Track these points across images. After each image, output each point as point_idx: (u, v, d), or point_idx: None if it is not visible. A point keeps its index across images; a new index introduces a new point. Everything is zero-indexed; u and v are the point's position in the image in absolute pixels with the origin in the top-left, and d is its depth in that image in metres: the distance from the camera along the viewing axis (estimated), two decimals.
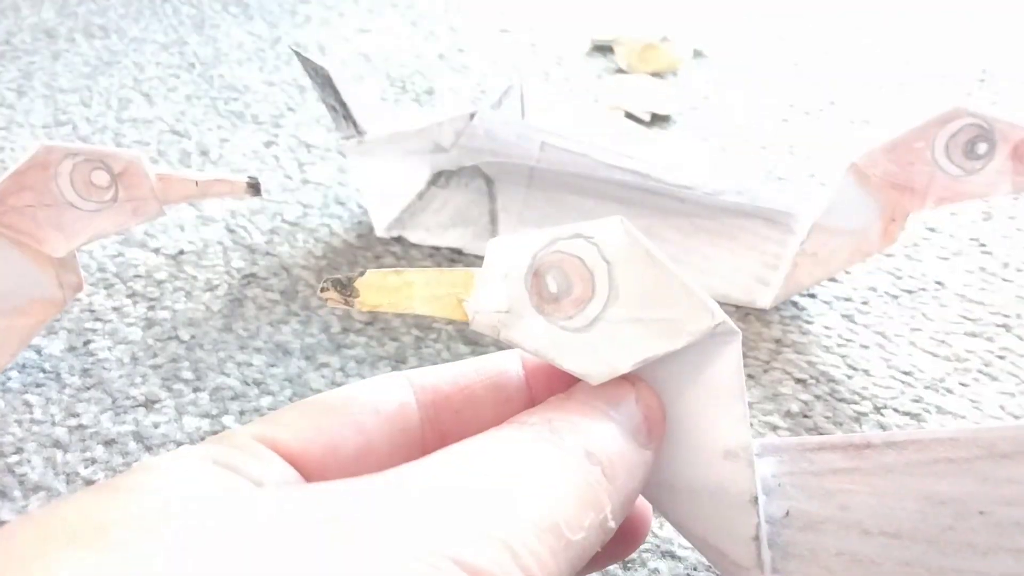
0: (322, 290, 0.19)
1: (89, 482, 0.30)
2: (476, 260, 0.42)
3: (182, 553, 0.12)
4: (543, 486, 0.15)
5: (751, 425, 0.32)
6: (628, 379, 0.19)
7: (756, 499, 0.19)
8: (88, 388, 0.34)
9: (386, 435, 0.19)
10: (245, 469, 0.16)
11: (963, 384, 0.34)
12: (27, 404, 0.33)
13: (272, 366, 0.35)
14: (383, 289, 0.19)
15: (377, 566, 0.12)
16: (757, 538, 0.20)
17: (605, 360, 0.19)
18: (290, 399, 0.33)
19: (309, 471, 0.17)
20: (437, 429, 0.20)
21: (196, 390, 0.34)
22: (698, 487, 0.20)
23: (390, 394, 0.19)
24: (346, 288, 0.19)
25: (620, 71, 0.63)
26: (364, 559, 0.12)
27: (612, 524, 0.16)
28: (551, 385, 0.20)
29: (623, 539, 0.22)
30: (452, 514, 0.14)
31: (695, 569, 0.27)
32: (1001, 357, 0.36)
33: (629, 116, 0.55)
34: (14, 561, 0.12)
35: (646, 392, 0.19)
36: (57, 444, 0.31)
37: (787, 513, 0.20)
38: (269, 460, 0.17)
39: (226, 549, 0.12)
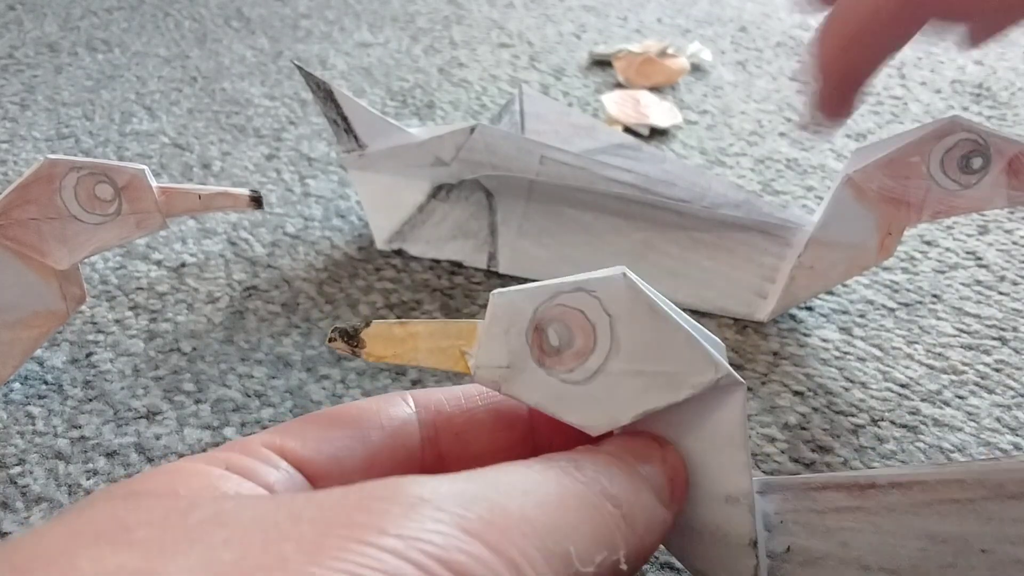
0: (329, 340, 0.20)
1: (90, 493, 0.30)
2: (475, 272, 0.42)
3: (200, 551, 0.12)
4: (559, 513, 0.16)
5: (750, 437, 0.32)
6: (657, 441, 0.20)
7: (755, 542, 0.20)
8: (90, 400, 0.34)
9: (389, 450, 0.19)
10: (257, 475, 0.17)
11: (960, 397, 0.34)
12: (29, 416, 0.33)
13: (273, 378, 0.35)
14: (388, 340, 0.20)
15: (376, 569, 0.12)
16: None
17: (606, 412, 0.19)
18: (291, 411, 0.34)
19: (316, 478, 0.18)
20: (436, 449, 0.20)
21: (197, 402, 0.34)
22: (700, 528, 0.20)
23: (394, 411, 0.20)
24: (352, 339, 0.20)
25: (619, 85, 0.64)
26: (366, 562, 0.12)
27: (624, 567, 0.17)
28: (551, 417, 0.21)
29: None
30: (461, 525, 0.14)
31: None
32: (997, 370, 0.36)
33: (628, 130, 0.55)
34: (41, 559, 0.12)
35: (673, 456, 0.20)
36: (59, 456, 0.32)
37: (788, 549, 0.20)
38: (279, 466, 0.17)
39: (240, 548, 0.13)
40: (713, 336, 0.20)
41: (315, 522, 0.13)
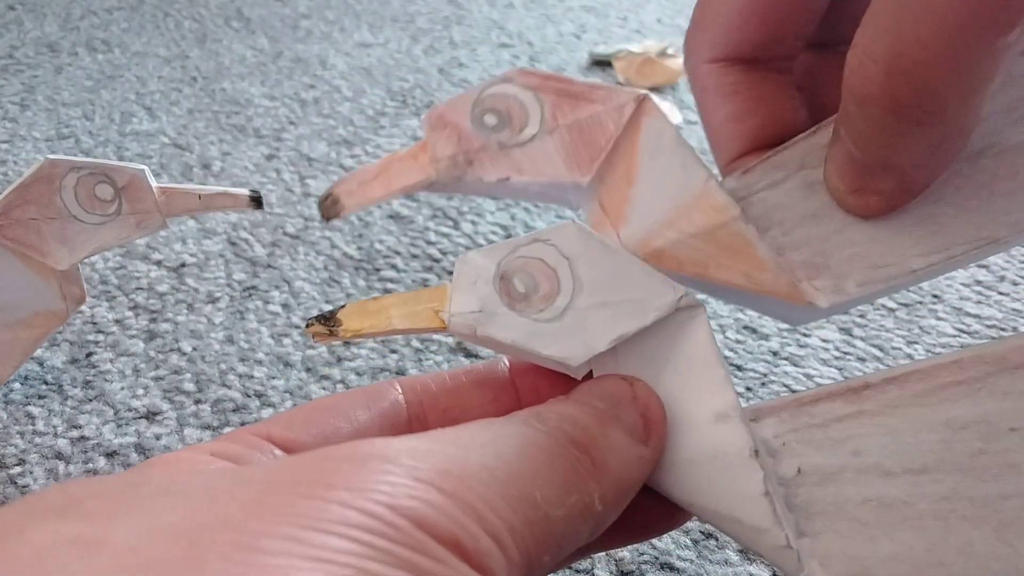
0: (307, 326, 0.21)
1: None
2: None
3: (146, 516, 0.12)
4: (520, 461, 0.16)
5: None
6: (626, 380, 0.20)
7: (756, 452, 0.19)
8: (90, 400, 0.34)
9: (377, 429, 0.20)
10: (242, 459, 0.17)
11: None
12: (29, 416, 0.33)
13: (273, 378, 0.35)
14: (363, 314, 0.20)
15: (322, 519, 0.12)
16: (768, 493, 0.19)
17: (581, 342, 0.19)
18: None
19: None
20: (424, 427, 0.20)
21: (197, 402, 0.34)
22: (697, 457, 0.19)
23: (380, 394, 0.20)
24: (329, 320, 0.21)
25: (619, 85, 0.64)
26: (311, 514, 0.12)
27: (599, 507, 0.17)
28: (536, 382, 0.21)
29: (663, 514, 0.22)
30: (413, 475, 0.14)
31: None
32: None
33: None
34: None
35: (643, 391, 0.20)
36: (59, 456, 0.32)
37: (799, 470, 0.19)
38: (265, 450, 0.18)
39: (184, 510, 0.13)
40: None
41: (262, 483, 0.13)
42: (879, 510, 0.18)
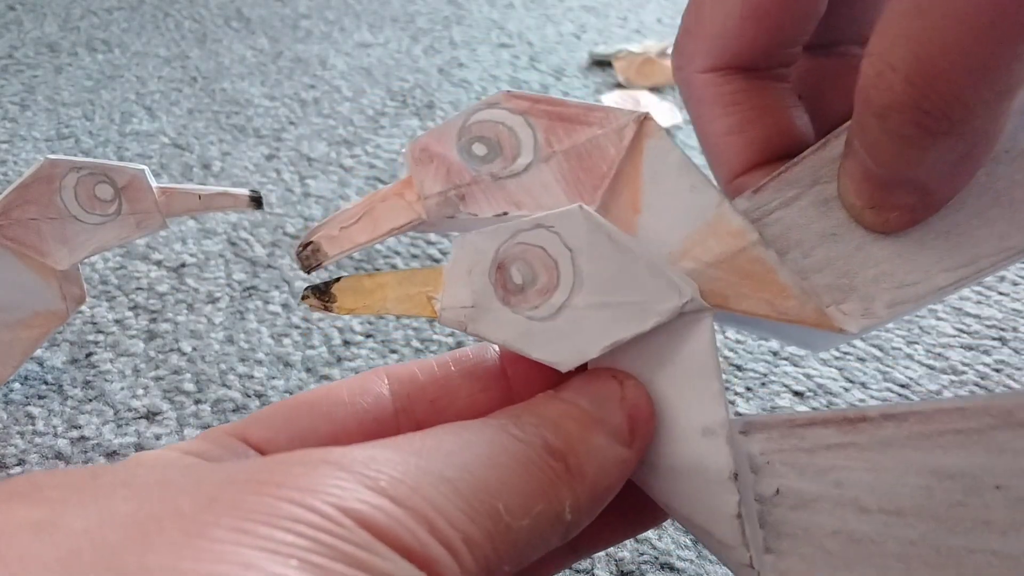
0: (303, 298, 0.20)
1: None
2: None
3: (100, 505, 0.13)
4: (485, 472, 0.15)
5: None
6: (616, 377, 0.19)
7: (735, 476, 0.19)
8: (90, 400, 0.34)
9: (358, 425, 0.19)
10: (213, 458, 0.17)
11: (959, 397, 0.34)
12: (29, 416, 0.33)
13: (273, 378, 0.35)
14: (358, 292, 0.20)
15: (270, 514, 0.13)
16: (739, 516, 0.19)
17: (573, 346, 0.19)
18: None
19: None
20: (412, 419, 0.20)
21: (197, 402, 0.34)
22: (678, 466, 0.19)
23: (364, 387, 0.20)
24: (324, 294, 0.20)
25: (619, 86, 0.64)
26: (260, 509, 0.13)
27: (569, 517, 0.16)
28: (528, 371, 0.20)
29: (642, 511, 0.21)
30: (365, 483, 0.14)
31: None
32: (997, 370, 0.36)
33: None
34: None
35: (632, 391, 0.19)
36: (59, 456, 0.32)
37: (777, 491, 0.19)
38: (236, 450, 0.18)
39: (137, 502, 0.13)
40: (683, 276, 0.19)
41: (215, 481, 0.14)
42: (846, 543, 0.18)
